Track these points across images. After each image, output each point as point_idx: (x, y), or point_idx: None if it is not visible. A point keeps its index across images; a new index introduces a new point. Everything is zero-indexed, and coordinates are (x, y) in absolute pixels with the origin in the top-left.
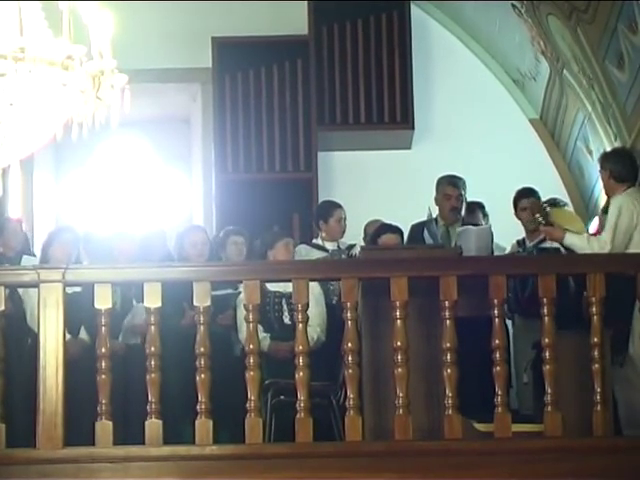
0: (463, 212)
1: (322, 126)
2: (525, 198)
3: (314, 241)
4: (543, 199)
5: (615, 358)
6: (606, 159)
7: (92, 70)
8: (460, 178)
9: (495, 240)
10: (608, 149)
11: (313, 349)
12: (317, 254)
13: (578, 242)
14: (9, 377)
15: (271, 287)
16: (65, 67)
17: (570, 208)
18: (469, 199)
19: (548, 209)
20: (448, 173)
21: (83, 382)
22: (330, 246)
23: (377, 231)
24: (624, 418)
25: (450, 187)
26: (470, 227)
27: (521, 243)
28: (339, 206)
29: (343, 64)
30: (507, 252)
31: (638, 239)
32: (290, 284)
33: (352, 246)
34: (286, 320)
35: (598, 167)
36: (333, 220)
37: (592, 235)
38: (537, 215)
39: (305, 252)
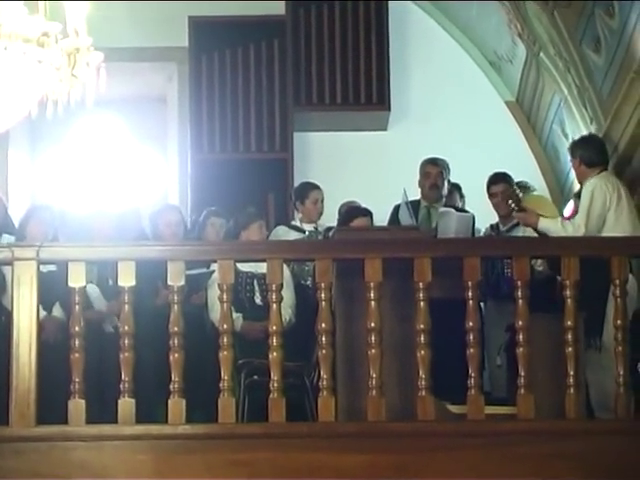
0: (445, 192)
1: (298, 106)
2: (495, 184)
3: (292, 222)
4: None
5: (591, 341)
6: (575, 146)
7: (68, 47)
8: (441, 158)
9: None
10: (580, 135)
11: (285, 330)
12: (295, 235)
13: (552, 226)
14: None
15: (242, 267)
16: (41, 44)
17: (539, 192)
18: None
19: (521, 195)
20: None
21: (57, 360)
22: (308, 227)
23: (348, 215)
24: (595, 401)
25: (430, 165)
26: (452, 210)
27: (494, 227)
28: (316, 187)
29: (320, 44)
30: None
31: (612, 222)
32: (261, 264)
33: (331, 228)
34: (257, 300)
35: (569, 157)
36: (309, 202)
37: (566, 219)
38: (510, 202)
39: (283, 233)
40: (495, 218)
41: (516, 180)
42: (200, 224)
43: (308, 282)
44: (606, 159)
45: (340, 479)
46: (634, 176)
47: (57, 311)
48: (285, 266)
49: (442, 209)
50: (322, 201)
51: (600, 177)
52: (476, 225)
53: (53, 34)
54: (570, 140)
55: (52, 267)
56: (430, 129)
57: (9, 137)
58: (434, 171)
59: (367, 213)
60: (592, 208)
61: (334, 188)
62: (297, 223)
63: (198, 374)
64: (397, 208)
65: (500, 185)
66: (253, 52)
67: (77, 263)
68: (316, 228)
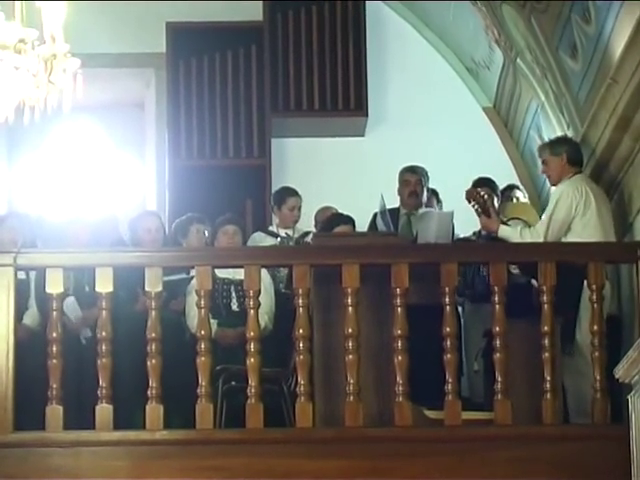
0: (424, 199)
1: (276, 112)
2: (476, 188)
3: (269, 228)
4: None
5: (564, 347)
6: (559, 144)
7: (44, 54)
8: (420, 166)
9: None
10: (555, 136)
11: (263, 336)
12: (271, 241)
13: (511, 234)
14: None
15: (220, 274)
16: (17, 50)
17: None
18: None
19: (486, 197)
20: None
21: (35, 367)
22: (283, 233)
23: (330, 222)
24: (573, 407)
25: (408, 173)
26: (432, 210)
27: (477, 234)
28: (294, 194)
29: (297, 51)
30: None
31: (579, 229)
32: (239, 271)
33: (307, 233)
34: (234, 307)
35: (547, 156)
36: (285, 208)
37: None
38: (472, 203)
39: (259, 239)
40: (471, 224)
41: (501, 185)
42: (182, 230)
43: (282, 288)
44: (582, 161)
45: None
46: (611, 181)
47: (28, 319)
48: (265, 272)
49: (421, 210)
50: (299, 209)
51: (570, 182)
52: (455, 231)
53: (30, 41)
54: None
55: (22, 275)
56: (407, 135)
57: None
58: (413, 179)
59: (349, 221)
60: (555, 216)
61: (311, 194)
62: (274, 228)
63: (177, 380)
64: (376, 216)
65: (484, 190)
66: (231, 58)
67: (55, 269)
68: (288, 234)
